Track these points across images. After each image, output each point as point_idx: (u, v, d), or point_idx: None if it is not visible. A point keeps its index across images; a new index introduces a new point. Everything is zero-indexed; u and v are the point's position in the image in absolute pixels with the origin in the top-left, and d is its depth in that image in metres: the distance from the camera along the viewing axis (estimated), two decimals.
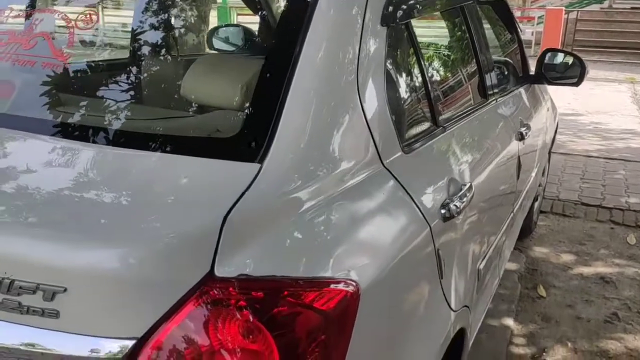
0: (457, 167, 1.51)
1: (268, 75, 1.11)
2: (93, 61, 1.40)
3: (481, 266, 1.74)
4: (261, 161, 0.99)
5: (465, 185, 1.47)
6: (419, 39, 1.60)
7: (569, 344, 2.60)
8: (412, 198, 1.22)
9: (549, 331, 2.72)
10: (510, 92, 2.46)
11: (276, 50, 1.16)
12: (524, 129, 2.24)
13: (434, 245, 1.26)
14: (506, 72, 2.64)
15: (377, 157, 1.19)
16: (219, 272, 0.85)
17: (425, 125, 1.51)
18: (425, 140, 1.44)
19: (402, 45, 1.48)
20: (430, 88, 1.54)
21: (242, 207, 0.90)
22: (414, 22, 1.55)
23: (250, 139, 1.03)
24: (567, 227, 3.96)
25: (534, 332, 2.71)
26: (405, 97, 1.46)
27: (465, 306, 1.55)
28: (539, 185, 3.57)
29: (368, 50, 1.23)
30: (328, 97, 1.11)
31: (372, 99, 1.22)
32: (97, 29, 1.51)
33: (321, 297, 0.91)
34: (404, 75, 1.48)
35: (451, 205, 1.33)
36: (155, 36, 1.57)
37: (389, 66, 1.36)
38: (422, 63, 1.53)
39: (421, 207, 1.24)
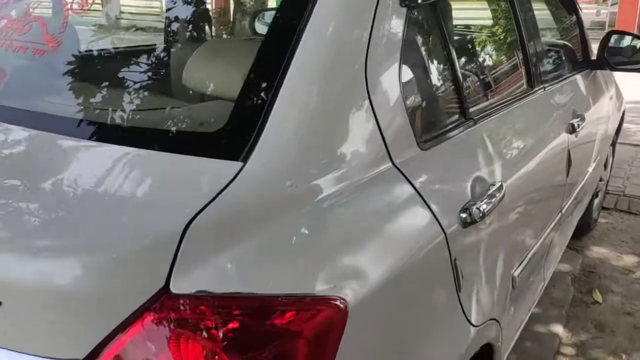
0: (487, 165, 1.35)
1: (261, 61, 0.99)
2: (81, 49, 1.32)
3: (516, 273, 1.56)
4: (245, 159, 0.88)
5: (494, 185, 1.31)
6: (451, 21, 1.43)
7: (624, 357, 2.37)
8: (425, 201, 1.08)
9: (602, 341, 2.49)
10: (564, 79, 2.23)
11: (273, 34, 1.04)
12: (577, 120, 2.02)
13: (450, 254, 1.11)
14: (561, 57, 2.41)
15: (385, 155, 1.05)
16: (174, 287, 0.74)
17: (452, 118, 1.35)
18: (450, 135, 1.28)
19: (427, 28, 1.32)
20: (460, 77, 1.37)
21: (211, 212, 0.79)
22: (444, 1, 1.39)
23: (234, 134, 0.92)
24: (631, 225, 3.65)
25: (585, 342, 2.49)
26: (428, 87, 1.30)
27: (493, 319, 1.39)
28: (600, 180, 3.29)
29: (382, 34, 1.08)
30: (329, 87, 0.98)
31: (383, 89, 1.08)
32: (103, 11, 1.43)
33: (297, 317, 0.79)
34: (428, 62, 1.32)
35: (473, 209, 1.17)
36: (145, 22, 1.48)
37: (409, 52, 1.21)
38: (452, 48, 1.36)
39: (436, 211, 1.09)
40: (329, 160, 0.96)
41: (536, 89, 1.86)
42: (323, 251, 0.88)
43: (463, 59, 1.51)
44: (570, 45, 2.61)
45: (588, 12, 13.75)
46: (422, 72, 1.28)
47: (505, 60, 1.85)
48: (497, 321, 1.42)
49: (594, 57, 2.69)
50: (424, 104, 1.26)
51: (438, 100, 1.34)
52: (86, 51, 1.34)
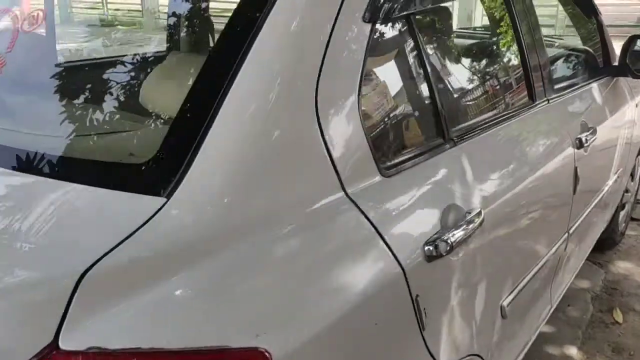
0: (465, 190, 1.25)
1: (199, 86, 0.94)
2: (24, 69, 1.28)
3: (506, 302, 1.46)
4: (169, 195, 0.82)
5: (472, 212, 1.21)
6: (433, 31, 1.34)
7: None
8: (380, 235, 1.00)
9: None
10: (576, 89, 2.10)
11: (213, 55, 0.98)
12: (586, 134, 1.89)
13: (410, 291, 1.03)
14: (574, 65, 2.27)
15: (336, 185, 0.97)
16: (64, 343, 0.68)
17: (428, 140, 1.26)
18: (424, 159, 1.20)
19: (399, 43, 1.23)
20: (439, 95, 1.28)
21: (115, 257, 0.73)
22: (424, 12, 1.30)
23: (162, 166, 0.86)
24: None
25: None
26: (398, 107, 1.22)
27: (473, 355, 1.30)
28: (627, 192, 3.12)
29: (339, 53, 1.01)
30: (272, 113, 0.91)
31: (337, 113, 1.00)
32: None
33: None
34: (398, 80, 1.24)
35: (439, 241, 1.08)
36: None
37: (373, 71, 1.13)
38: (430, 63, 1.27)
39: (393, 246, 1.01)
40: (267, 194, 0.89)
41: (538, 102, 1.74)
42: (247, 296, 0.81)
43: (445, 74, 1.40)
44: (588, 52, 2.46)
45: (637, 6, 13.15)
46: (390, 92, 1.19)
47: (500, 73, 1.73)
48: (480, 356, 1.33)
49: (616, 63, 2.53)
50: (390, 126, 1.18)
51: (410, 121, 1.25)
52: (28, 71, 1.31)
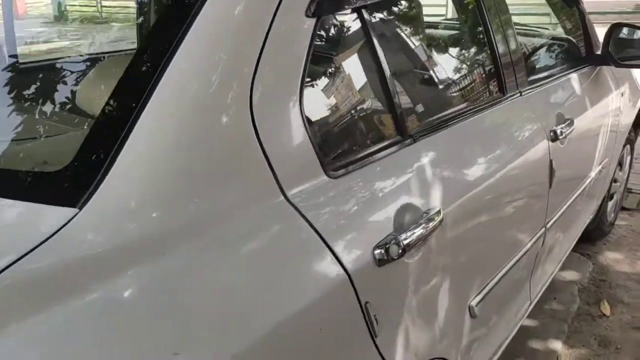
0: (424, 189, 1.21)
1: (121, 85, 0.88)
2: None
3: (474, 302, 1.43)
4: (82, 205, 0.77)
5: (430, 211, 1.18)
6: (389, 22, 1.30)
7: None
8: (324, 240, 0.96)
9: (604, 359, 2.31)
10: (553, 80, 2.05)
11: (140, 50, 0.93)
12: (562, 125, 1.84)
13: (358, 298, 0.99)
14: (553, 55, 2.22)
15: (274, 188, 0.93)
16: None
17: (383, 136, 1.22)
18: (378, 157, 1.16)
19: (349, 35, 1.19)
20: (395, 89, 1.24)
21: (10, 274, 0.67)
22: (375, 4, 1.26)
23: (75, 174, 0.81)
24: None
25: None
26: (348, 102, 1.18)
27: (438, 358, 1.27)
28: (615, 182, 3.07)
29: (277, 48, 0.97)
30: (201, 113, 0.87)
31: (276, 110, 0.96)
32: None
33: None
34: (347, 75, 1.20)
35: (392, 244, 1.05)
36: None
37: (319, 66, 1.09)
38: (386, 56, 1.23)
39: (338, 252, 0.97)
40: (195, 201, 0.85)
41: (509, 95, 1.70)
42: (167, 312, 0.77)
43: (403, 68, 1.36)
44: (569, 41, 2.41)
45: None
46: (339, 87, 1.15)
47: (466, 65, 1.69)
48: (444, 359, 1.30)
49: (599, 52, 2.48)
50: (339, 123, 1.14)
51: (362, 117, 1.21)
52: None
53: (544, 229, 1.86)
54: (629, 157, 3.27)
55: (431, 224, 1.16)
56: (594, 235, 3.12)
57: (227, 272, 0.85)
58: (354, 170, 1.09)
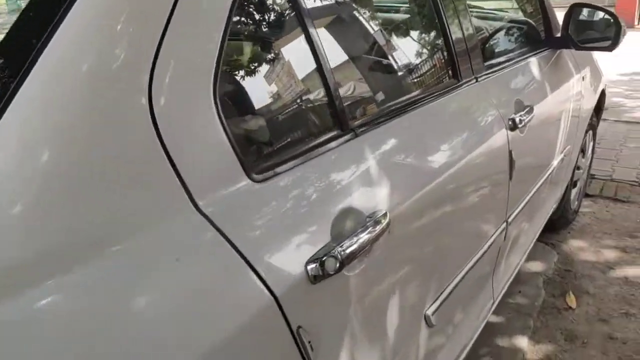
0: (366, 190, 1.07)
1: None
2: None
3: (430, 311, 1.30)
4: None
5: (374, 215, 1.03)
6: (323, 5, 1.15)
7: None
8: (243, 256, 0.81)
9: (571, 355, 2.22)
10: (512, 65, 1.93)
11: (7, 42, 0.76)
12: (521, 113, 1.72)
13: (288, 323, 0.84)
14: (511, 39, 2.10)
15: (183, 198, 0.78)
16: None
17: (320, 131, 1.07)
18: (313, 155, 1.01)
19: (275, 13, 1.04)
20: (333, 76, 1.09)
21: None
22: None
23: None
24: (617, 215, 3.35)
25: (553, 356, 2.23)
26: (277, 92, 1.03)
27: None
28: (578, 169, 2.99)
29: (183, 33, 0.81)
30: (80, 115, 0.70)
31: (183, 107, 0.81)
32: None
33: None
34: (277, 58, 1.04)
35: (328, 258, 0.90)
36: None
37: (239, 47, 0.93)
38: (321, 41, 1.08)
39: (262, 271, 0.82)
40: (79, 218, 0.69)
41: (464, 81, 1.56)
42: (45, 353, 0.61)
43: (341, 52, 1.21)
44: (528, 24, 2.30)
45: None
46: (263, 75, 1.00)
47: (415, 50, 1.54)
48: None
49: (559, 35, 2.38)
50: (264, 118, 0.98)
51: (294, 110, 1.06)
52: None
53: (505, 223, 1.75)
54: (591, 144, 3.20)
55: (376, 230, 1.01)
56: (558, 224, 3.05)
57: (124, 305, 0.69)
58: (284, 171, 0.94)
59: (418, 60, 1.54)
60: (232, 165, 0.85)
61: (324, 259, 0.90)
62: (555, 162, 2.30)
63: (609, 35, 2.29)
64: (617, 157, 4.19)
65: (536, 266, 2.81)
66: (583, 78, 2.61)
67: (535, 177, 2.05)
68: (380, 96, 1.29)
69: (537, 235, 2.46)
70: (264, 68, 1.02)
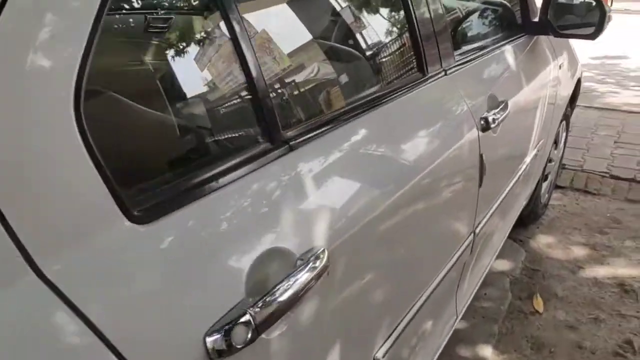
0: (299, 222, 0.84)
1: None
2: None
3: (380, 353, 1.10)
4: None
5: (308, 255, 0.81)
6: None
7: None
8: (104, 338, 0.58)
9: None
10: (485, 54, 1.71)
11: None
12: (495, 111, 1.51)
13: None
14: (485, 25, 1.88)
15: (21, 263, 0.54)
16: None
17: (241, 146, 0.84)
18: (229, 179, 0.77)
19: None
20: (262, 74, 0.85)
21: None
22: None
23: None
24: (587, 208, 3.22)
25: None
26: (177, 97, 0.79)
27: None
28: (550, 162, 2.83)
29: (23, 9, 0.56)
30: None
31: (18, 121, 0.56)
32: None
33: None
34: (180, 49, 0.80)
35: (236, 327, 0.68)
36: None
37: (120, 36, 0.69)
38: (245, 25, 0.84)
39: (128, 353, 0.59)
40: None
41: (431, 74, 1.34)
42: None
43: (271, 44, 0.96)
44: (504, 7, 2.08)
45: None
46: (155, 75, 0.76)
47: (370, 38, 1.30)
48: None
49: (536, 20, 2.17)
50: (157, 133, 0.75)
51: (202, 120, 0.82)
52: None
53: (472, 235, 1.55)
54: (564, 134, 3.03)
55: (311, 274, 0.79)
56: (528, 219, 2.90)
57: None
58: (185, 204, 0.70)
59: (374, 51, 1.30)
60: (105, 203, 0.62)
61: (230, 326, 0.67)
62: (528, 159, 2.12)
63: (591, 21, 2.08)
64: (588, 145, 4.06)
65: (503, 265, 2.66)
66: (560, 66, 2.42)
67: (507, 178, 1.86)
68: (325, 98, 1.05)
69: (506, 236, 2.29)
70: (157, 66, 0.77)
